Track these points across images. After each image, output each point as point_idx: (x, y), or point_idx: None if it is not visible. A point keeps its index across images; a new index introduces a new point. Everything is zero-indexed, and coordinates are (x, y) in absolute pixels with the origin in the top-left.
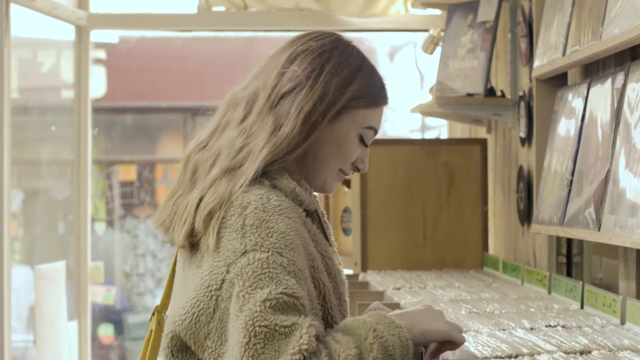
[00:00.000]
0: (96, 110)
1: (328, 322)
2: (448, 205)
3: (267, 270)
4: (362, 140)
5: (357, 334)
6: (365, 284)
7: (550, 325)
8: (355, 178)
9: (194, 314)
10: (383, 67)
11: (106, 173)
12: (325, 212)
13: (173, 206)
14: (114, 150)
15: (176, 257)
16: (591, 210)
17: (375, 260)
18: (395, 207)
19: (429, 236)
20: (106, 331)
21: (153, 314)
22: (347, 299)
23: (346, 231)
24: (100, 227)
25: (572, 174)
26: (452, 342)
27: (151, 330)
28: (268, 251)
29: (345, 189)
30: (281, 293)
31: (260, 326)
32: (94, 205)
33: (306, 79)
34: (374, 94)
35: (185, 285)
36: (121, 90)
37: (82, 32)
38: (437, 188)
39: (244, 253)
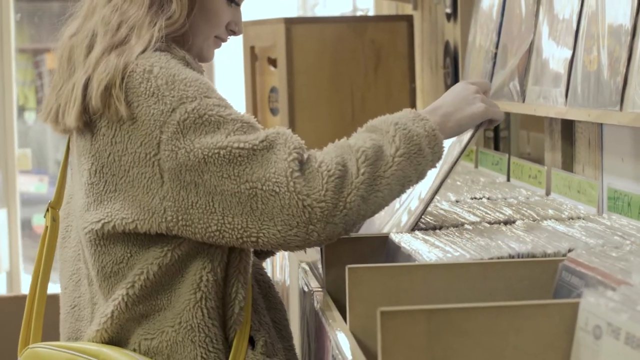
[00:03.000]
0: None
1: None
2: (376, 83)
3: (205, 115)
4: (233, 0)
5: (379, 129)
6: None
7: (475, 198)
8: (281, 57)
9: (142, 186)
10: None
11: (34, 61)
12: None
13: (57, 96)
14: (42, 39)
15: (67, 151)
16: (515, 82)
17: (303, 140)
18: (322, 86)
19: (357, 115)
20: (40, 221)
21: (47, 210)
22: None
23: (274, 111)
24: (31, 116)
25: (497, 47)
26: (490, 121)
27: (46, 227)
28: (195, 99)
29: (272, 68)
30: (233, 124)
31: (239, 155)
32: (24, 94)
33: None
34: None
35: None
36: None
37: None
38: (364, 66)
39: (173, 110)
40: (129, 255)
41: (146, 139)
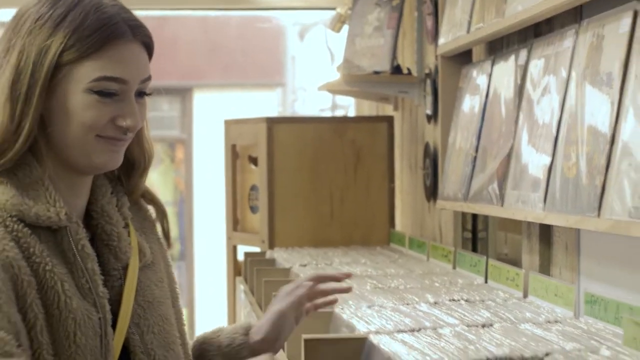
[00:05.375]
0: None
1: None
2: (355, 183)
3: None
4: (101, 94)
5: None
6: (272, 261)
7: (454, 300)
8: (262, 156)
9: None
10: (293, 47)
11: None
12: (85, 225)
13: None
14: None
15: None
16: (495, 185)
17: (282, 238)
18: (302, 185)
19: (336, 213)
20: None
21: None
22: (86, 339)
23: (253, 209)
24: None
25: (476, 151)
26: None
27: None
28: None
29: (253, 166)
30: None
31: None
32: None
33: (3, 57)
34: (86, 38)
35: None
36: None
37: None
38: (344, 166)
39: None
40: None
41: None
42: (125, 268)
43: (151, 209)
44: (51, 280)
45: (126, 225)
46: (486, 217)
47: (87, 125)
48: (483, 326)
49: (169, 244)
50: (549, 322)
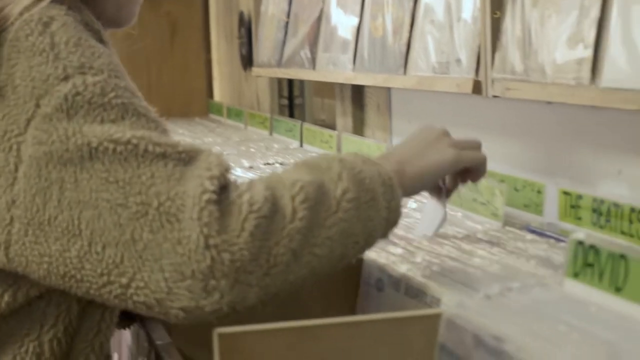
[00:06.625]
0: None
1: None
2: (172, 55)
3: (110, 95)
4: None
5: (316, 165)
6: None
7: (268, 163)
8: None
9: None
10: None
11: None
12: None
13: None
14: None
15: None
16: (306, 50)
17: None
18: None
19: (154, 86)
20: None
21: None
22: None
23: None
24: None
25: (288, 16)
26: (472, 170)
27: None
28: (103, 72)
29: None
30: (146, 120)
31: (142, 155)
32: None
33: None
34: None
35: None
36: None
37: None
38: (160, 39)
39: (66, 78)
40: None
41: (13, 110)
42: None
43: None
44: None
45: None
46: (302, 84)
47: None
48: None
49: None
50: None
